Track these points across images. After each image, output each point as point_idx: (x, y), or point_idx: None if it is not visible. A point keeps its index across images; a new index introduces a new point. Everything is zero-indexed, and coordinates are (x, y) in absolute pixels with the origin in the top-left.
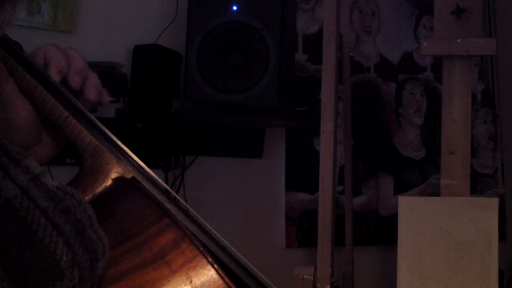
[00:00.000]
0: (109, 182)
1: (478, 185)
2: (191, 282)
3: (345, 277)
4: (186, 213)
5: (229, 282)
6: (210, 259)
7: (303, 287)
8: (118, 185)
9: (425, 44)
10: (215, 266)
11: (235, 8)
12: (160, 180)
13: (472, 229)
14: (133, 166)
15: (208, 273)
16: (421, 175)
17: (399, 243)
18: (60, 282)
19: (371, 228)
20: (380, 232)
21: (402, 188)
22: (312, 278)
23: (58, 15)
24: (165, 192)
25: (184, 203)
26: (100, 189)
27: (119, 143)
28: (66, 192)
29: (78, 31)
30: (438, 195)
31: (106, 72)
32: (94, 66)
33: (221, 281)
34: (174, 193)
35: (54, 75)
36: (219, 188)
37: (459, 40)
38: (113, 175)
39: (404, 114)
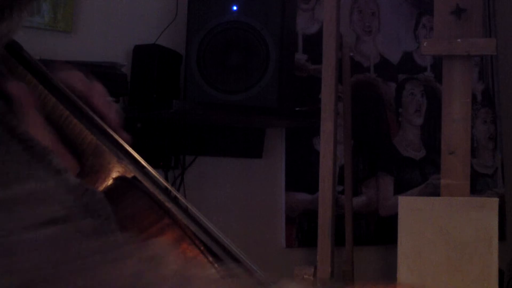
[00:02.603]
0: (110, 181)
1: (478, 185)
2: None
3: (345, 277)
4: (187, 212)
5: None
6: (210, 259)
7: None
8: (119, 185)
9: (425, 44)
10: (216, 266)
11: (235, 8)
12: (161, 178)
13: (472, 229)
14: (134, 165)
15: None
16: (421, 175)
17: (399, 243)
18: None
19: (371, 228)
20: (380, 232)
21: (402, 188)
22: (312, 278)
23: (58, 15)
24: (166, 192)
25: (184, 201)
26: (101, 188)
27: (121, 141)
28: (86, 189)
29: (78, 31)
30: (438, 195)
31: (106, 72)
32: (94, 66)
33: None
34: (175, 191)
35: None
36: (219, 188)
37: (459, 40)
38: (114, 174)
39: (404, 114)
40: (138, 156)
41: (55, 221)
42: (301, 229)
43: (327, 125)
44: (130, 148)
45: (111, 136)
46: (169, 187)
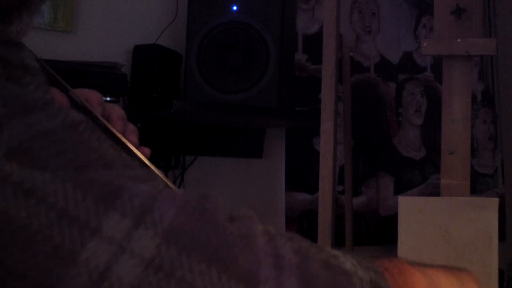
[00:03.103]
0: None
1: (478, 185)
2: None
3: None
4: None
5: None
6: None
7: None
8: None
9: (425, 44)
10: None
11: (235, 8)
12: (163, 177)
13: (472, 229)
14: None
15: None
16: (421, 175)
17: (399, 243)
18: None
19: (371, 228)
20: (380, 232)
21: (402, 188)
22: None
23: (58, 15)
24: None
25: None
26: None
27: (124, 140)
28: None
29: (78, 31)
30: (438, 195)
31: (106, 72)
32: (94, 66)
33: None
34: (176, 188)
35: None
36: (219, 188)
37: (459, 40)
38: None
39: (404, 114)
40: (141, 155)
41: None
42: (301, 229)
43: (327, 125)
44: (133, 147)
45: (113, 134)
46: (170, 184)
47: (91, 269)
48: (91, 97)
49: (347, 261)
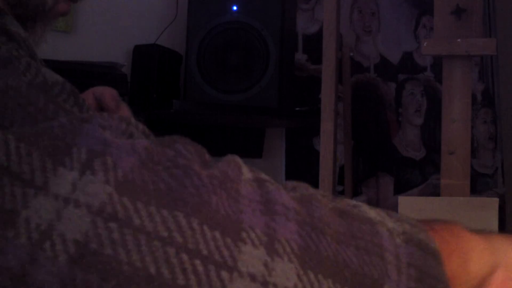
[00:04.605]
0: None
1: (478, 185)
2: None
3: None
4: None
5: None
6: None
7: None
8: None
9: (425, 44)
10: None
11: (235, 8)
12: None
13: (472, 229)
14: None
15: None
16: (421, 175)
17: None
18: None
19: None
20: None
21: (402, 188)
22: None
23: None
24: None
25: None
26: None
27: None
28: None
29: (78, 31)
30: (438, 195)
31: (106, 72)
32: (94, 66)
33: None
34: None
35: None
36: None
37: (459, 40)
38: None
39: (404, 114)
40: None
41: (132, 135)
42: None
43: (327, 125)
44: None
45: None
46: None
47: (31, 229)
48: (106, 93)
49: (371, 210)
